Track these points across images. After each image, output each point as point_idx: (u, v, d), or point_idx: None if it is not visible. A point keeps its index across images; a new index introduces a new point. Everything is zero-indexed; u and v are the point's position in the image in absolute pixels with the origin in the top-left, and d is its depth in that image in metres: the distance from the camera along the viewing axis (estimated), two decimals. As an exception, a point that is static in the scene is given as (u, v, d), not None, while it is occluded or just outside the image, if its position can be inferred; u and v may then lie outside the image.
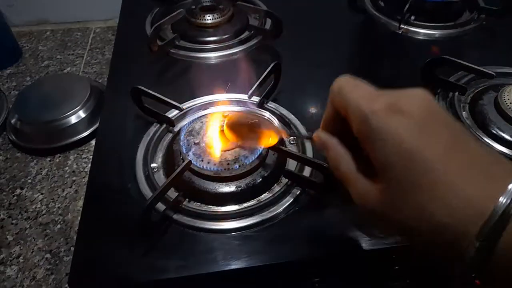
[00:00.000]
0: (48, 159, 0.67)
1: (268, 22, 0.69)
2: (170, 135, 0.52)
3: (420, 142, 0.25)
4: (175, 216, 0.43)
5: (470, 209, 0.24)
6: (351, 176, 0.30)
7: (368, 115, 0.27)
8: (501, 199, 0.23)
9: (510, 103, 0.51)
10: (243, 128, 0.43)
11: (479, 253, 0.23)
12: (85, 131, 0.69)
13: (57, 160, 0.67)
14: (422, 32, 0.70)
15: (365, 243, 0.41)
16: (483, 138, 0.50)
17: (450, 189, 0.24)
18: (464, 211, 0.24)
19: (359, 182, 0.30)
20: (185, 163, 0.43)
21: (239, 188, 0.44)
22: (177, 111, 0.53)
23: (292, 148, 0.49)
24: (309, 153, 0.48)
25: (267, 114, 0.51)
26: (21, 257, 0.55)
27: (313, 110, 0.55)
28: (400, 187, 0.26)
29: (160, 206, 0.43)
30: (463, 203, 0.24)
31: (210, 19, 0.67)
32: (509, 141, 0.49)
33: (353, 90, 0.30)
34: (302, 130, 0.51)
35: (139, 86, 0.51)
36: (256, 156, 0.44)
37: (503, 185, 0.23)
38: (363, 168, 0.30)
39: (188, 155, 0.44)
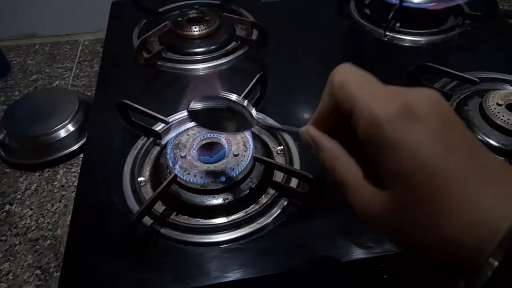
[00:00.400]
0: (37, 174, 0.67)
1: (255, 32, 0.69)
2: (157, 148, 0.52)
3: (437, 153, 0.23)
4: (163, 230, 0.43)
5: (488, 227, 0.22)
6: (352, 182, 0.27)
7: (381, 121, 0.24)
8: None
9: (495, 108, 0.51)
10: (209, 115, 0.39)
11: (495, 273, 0.21)
12: (74, 145, 0.68)
13: (46, 175, 0.67)
14: (408, 39, 0.70)
15: (354, 253, 0.41)
16: (469, 143, 0.50)
17: (468, 204, 0.22)
18: (480, 227, 0.22)
19: (361, 189, 0.27)
20: (171, 176, 0.43)
21: (227, 201, 0.44)
22: (164, 124, 0.53)
23: (279, 159, 0.50)
24: (297, 164, 0.48)
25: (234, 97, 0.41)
26: (11, 274, 0.55)
27: (303, 120, 0.55)
28: (412, 200, 0.24)
29: (148, 220, 0.43)
30: (480, 220, 0.22)
31: (196, 31, 0.68)
32: (495, 146, 0.50)
33: (360, 86, 0.26)
34: (290, 140, 0.51)
35: (125, 101, 0.51)
36: (243, 168, 0.45)
37: None
38: (363, 172, 0.27)
39: (174, 168, 0.44)
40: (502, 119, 0.50)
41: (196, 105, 0.38)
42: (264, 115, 0.55)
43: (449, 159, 0.23)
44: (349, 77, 0.27)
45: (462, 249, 0.22)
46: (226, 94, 0.37)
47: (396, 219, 0.25)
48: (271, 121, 0.47)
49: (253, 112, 0.37)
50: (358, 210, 0.27)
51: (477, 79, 0.54)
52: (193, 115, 0.39)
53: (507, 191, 0.23)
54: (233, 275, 0.40)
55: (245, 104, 0.37)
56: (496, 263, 0.21)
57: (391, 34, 0.70)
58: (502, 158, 0.49)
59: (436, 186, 0.23)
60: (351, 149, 0.29)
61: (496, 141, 0.50)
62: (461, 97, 0.57)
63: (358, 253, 0.41)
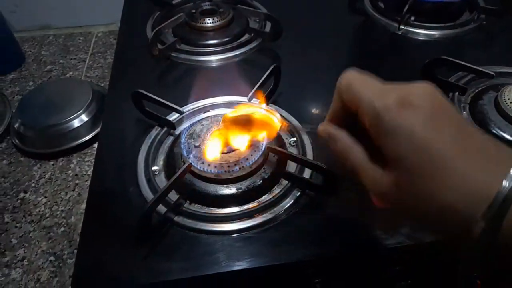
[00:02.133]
0: (51, 162, 0.68)
1: (268, 25, 0.69)
2: (171, 138, 0.52)
3: (430, 134, 0.27)
4: (176, 218, 0.43)
5: (477, 194, 0.25)
6: (362, 165, 0.31)
7: (381, 111, 0.28)
8: (504, 182, 0.24)
9: (510, 102, 0.51)
10: (242, 122, 0.43)
11: (484, 234, 0.24)
12: (88, 135, 0.69)
13: (60, 164, 0.68)
14: (422, 32, 0.70)
15: (366, 244, 0.41)
16: (483, 138, 0.50)
17: (459, 176, 0.26)
18: (472, 195, 0.25)
19: (370, 170, 0.31)
20: (185, 165, 0.43)
21: (240, 190, 0.44)
22: (178, 114, 0.53)
23: (292, 150, 0.50)
24: (309, 155, 0.48)
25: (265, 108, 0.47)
26: (25, 260, 0.56)
27: (315, 111, 0.55)
28: (412, 176, 0.27)
29: (161, 208, 0.43)
30: (471, 188, 0.25)
31: (210, 23, 0.68)
32: (509, 141, 0.49)
33: (363, 86, 0.31)
34: (303, 132, 0.51)
35: (140, 90, 0.51)
36: (256, 158, 0.45)
37: (506, 169, 0.25)
38: (372, 157, 0.31)
39: (188, 158, 0.45)
40: (517, 113, 0.50)
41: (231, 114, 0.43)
42: (277, 107, 0.55)
43: (441, 139, 0.26)
44: (354, 80, 0.32)
45: (457, 215, 0.26)
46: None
47: (400, 195, 0.28)
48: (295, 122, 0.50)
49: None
50: (369, 189, 0.31)
51: (492, 73, 0.53)
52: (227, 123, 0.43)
53: (494, 163, 0.26)
54: (244, 264, 0.40)
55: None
56: (483, 225, 0.24)
57: (405, 28, 0.70)
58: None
59: (431, 163, 0.26)
60: (362, 140, 0.33)
61: (511, 135, 0.50)
62: (476, 91, 0.56)
63: (371, 245, 0.41)
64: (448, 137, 0.27)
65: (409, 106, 0.28)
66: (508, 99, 0.51)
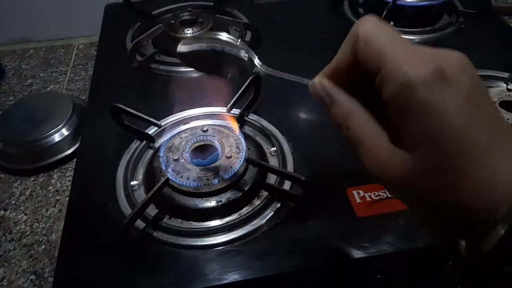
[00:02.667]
0: (32, 179, 0.67)
1: (249, 34, 0.69)
2: (150, 152, 0.52)
3: (463, 120, 0.23)
4: (156, 234, 0.43)
5: (502, 193, 0.23)
6: (368, 139, 0.26)
7: (414, 83, 0.23)
8: None
9: (488, 106, 0.51)
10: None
11: (507, 235, 0.22)
12: (69, 149, 0.68)
13: (41, 180, 0.67)
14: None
15: (347, 253, 0.41)
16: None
17: (486, 171, 0.23)
18: (495, 194, 0.23)
19: (378, 148, 0.26)
20: (163, 179, 0.43)
21: (220, 203, 0.44)
22: (156, 127, 0.53)
23: (272, 160, 0.49)
24: (290, 165, 0.48)
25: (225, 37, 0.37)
26: (5, 280, 0.54)
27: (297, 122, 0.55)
28: (434, 164, 0.24)
29: (140, 223, 0.43)
30: (495, 187, 0.23)
31: (190, 33, 0.68)
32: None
33: (390, 44, 0.25)
34: (283, 142, 0.51)
35: (118, 105, 0.51)
36: (235, 170, 0.44)
37: None
38: (381, 130, 0.26)
39: (167, 172, 0.44)
40: (496, 117, 0.50)
41: (185, 47, 0.35)
42: (258, 117, 0.55)
43: (474, 126, 0.23)
44: (377, 33, 0.26)
45: (475, 213, 0.23)
46: (220, 35, 0.35)
47: (415, 182, 0.25)
48: (273, 71, 0.38)
49: (255, 59, 0.35)
50: (372, 170, 0.26)
51: (470, 77, 0.54)
52: (183, 58, 0.36)
53: None
54: (228, 277, 0.40)
55: (241, 45, 0.34)
56: (502, 231, 0.22)
57: (384, 33, 0.70)
58: None
59: (458, 152, 0.23)
60: (367, 108, 0.28)
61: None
62: (455, 96, 0.57)
63: (352, 254, 0.41)
64: (482, 125, 0.23)
65: (447, 82, 0.23)
66: (486, 102, 0.51)
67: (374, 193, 0.45)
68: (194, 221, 0.44)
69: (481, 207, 0.23)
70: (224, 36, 0.34)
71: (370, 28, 0.26)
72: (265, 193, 0.46)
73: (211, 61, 0.36)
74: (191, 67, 0.37)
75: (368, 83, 0.26)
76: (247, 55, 0.34)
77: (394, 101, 0.24)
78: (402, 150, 0.25)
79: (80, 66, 0.90)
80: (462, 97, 0.23)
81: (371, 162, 0.26)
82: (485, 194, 0.23)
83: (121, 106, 0.51)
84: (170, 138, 0.49)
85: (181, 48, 0.35)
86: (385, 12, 0.69)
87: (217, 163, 0.45)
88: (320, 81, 0.29)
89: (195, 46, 0.35)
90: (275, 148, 0.50)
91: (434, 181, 0.24)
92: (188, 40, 0.36)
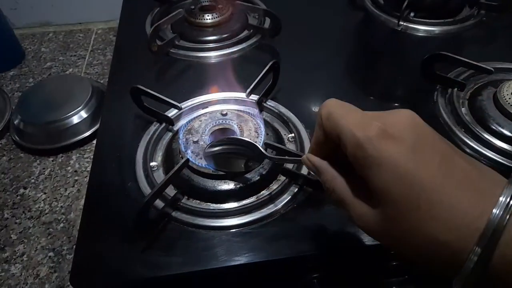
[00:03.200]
0: (51, 159, 0.68)
1: (267, 21, 0.69)
2: (169, 134, 0.52)
3: (414, 165, 0.26)
4: (174, 214, 0.43)
5: (466, 226, 0.24)
6: (347, 199, 0.31)
7: (362, 142, 0.28)
8: (494, 210, 0.24)
9: (509, 98, 0.51)
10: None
11: (476, 268, 0.24)
12: (87, 131, 0.70)
13: (60, 160, 0.68)
14: (422, 28, 0.70)
15: (363, 239, 0.41)
16: (483, 134, 0.50)
17: (446, 207, 0.25)
18: (460, 228, 0.24)
19: (355, 205, 0.30)
20: (183, 160, 0.43)
21: (238, 186, 0.44)
22: (176, 110, 0.53)
23: (290, 146, 0.50)
24: (307, 151, 0.48)
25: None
26: (25, 256, 0.56)
27: (315, 109, 0.55)
28: (397, 209, 0.26)
29: (159, 203, 0.43)
30: (459, 220, 0.25)
31: (209, 19, 0.68)
32: (508, 136, 0.49)
33: (343, 116, 0.30)
34: (301, 128, 0.51)
35: (138, 86, 0.51)
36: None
37: (494, 197, 0.24)
38: (357, 189, 0.31)
39: (186, 153, 0.45)
40: (516, 109, 0.50)
41: (211, 149, 0.43)
42: (276, 103, 0.55)
43: (425, 170, 0.26)
44: (334, 110, 0.31)
45: (446, 249, 0.25)
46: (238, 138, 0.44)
47: (386, 230, 0.28)
48: (274, 156, 0.45)
49: (262, 150, 0.41)
50: (355, 222, 0.31)
51: (492, 69, 0.53)
52: (209, 159, 0.44)
53: (480, 191, 0.25)
54: (242, 259, 0.40)
55: (255, 144, 0.42)
56: (475, 258, 0.24)
57: (405, 24, 0.70)
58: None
59: (415, 195, 0.26)
60: (346, 170, 0.32)
61: (510, 132, 0.49)
62: (475, 87, 0.56)
63: (368, 240, 0.41)
64: (433, 168, 0.26)
65: (391, 137, 0.27)
66: (507, 95, 0.51)
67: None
68: (211, 203, 0.44)
69: (451, 243, 0.25)
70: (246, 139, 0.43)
71: (329, 107, 0.31)
72: (282, 178, 0.46)
73: (228, 159, 0.44)
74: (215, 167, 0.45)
75: (340, 151, 0.31)
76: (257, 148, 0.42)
77: (354, 161, 0.29)
78: (370, 206, 0.29)
79: (99, 51, 0.91)
80: (407, 148, 0.27)
81: (353, 215, 0.31)
82: (452, 230, 0.25)
83: (141, 87, 0.51)
84: (189, 121, 0.49)
85: (208, 150, 0.44)
86: (405, 3, 0.68)
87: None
88: (307, 156, 0.35)
89: (218, 149, 0.43)
90: (293, 134, 0.51)
91: (400, 225, 0.26)
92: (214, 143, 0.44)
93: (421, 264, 0.27)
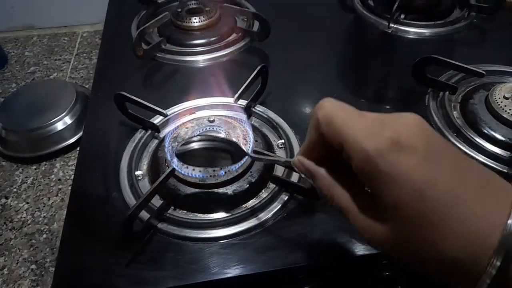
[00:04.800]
0: (34, 167, 0.66)
1: (256, 24, 0.68)
2: (155, 141, 0.51)
3: (427, 179, 0.25)
4: (160, 225, 0.42)
5: (482, 239, 0.23)
6: (350, 208, 0.29)
7: (372, 156, 0.25)
8: (509, 222, 0.23)
9: (501, 102, 0.50)
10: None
11: (493, 283, 0.23)
12: (71, 138, 0.68)
13: (43, 168, 0.66)
14: (412, 30, 0.69)
15: (355, 249, 0.40)
16: (475, 138, 0.49)
17: (461, 222, 0.24)
18: (477, 243, 0.24)
19: (359, 217, 0.28)
20: (169, 170, 0.42)
21: (226, 195, 0.43)
22: (162, 117, 0.52)
23: (280, 153, 0.48)
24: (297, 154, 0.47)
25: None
26: (6, 269, 0.54)
27: (305, 114, 0.54)
28: (410, 226, 0.25)
29: (144, 214, 0.42)
30: (474, 237, 0.24)
31: (196, 22, 0.66)
32: (500, 140, 0.49)
33: (346, 122, 0.27)
34: (291, 134, 0.50)
35: (122, 92, 0.50)
36: (242, 162, 0.43)
37: (507, 207, 0.24)
38: (360, 198, 0.29)
39: (172, 162, 0.43)
40: (509, 112, 0.49)
41: (183, 148, 0.41)
42: (265, 108, 0.53)
43: (438, 184, 0.25)
44: (335, 113, 0.28)
45: (460, 266, 0.24)
46: (213, 133, 0.42)
47: (396, 245, 0.26)
48: (263, 155, 0.43)
49: (243, 147, 0.39)
50: (359, 231, 0.29)
51: (483, 72, 0.53)
52: (181, 158, 0.41)
53: (494, 202, 0.24)
54: (232, 271, 0.39)
55: (234, 140, 0.40)
56: (493, 272, 0.23)
57: (395, 26, 0.69)
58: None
59: (429, 211, 0.24)
60: (342, 176, 0.30)
61: (502, 136, 0.49)
62: (466, 90, 0.55)
63: (360, 250, 0.40)
64: (446, 180, 0.25)
65: (403, 148, 0.25)
66: (499, 98, 0.50)
67: (383, 188, 0.44)
68: (199, 213, 0.43)
69: (465, 259, 0.24)
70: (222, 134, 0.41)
71: (328, 110, 0.28)
72: (272, 186, 0.45)
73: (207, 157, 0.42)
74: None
75: (336, 155, 0.29)
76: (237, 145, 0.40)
77: (361, 173, 0.27)
78: (378, 221, 0.27)
79: (84, 55, 0.89)
80: (419, 159, 0.25)
81: (359, 227, 0.29)
82: (466, 247, 0.24)
83: (125, 93, 0.50)
84: (175, 128, 0.48)
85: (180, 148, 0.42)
86: (396, 5, 0.68)
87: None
88: (299, 159, 0.32)
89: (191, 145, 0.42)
90: (282, 141, 0.49)
91: (412, 241, 0.25)
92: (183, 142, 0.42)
93: (433, 276, 0.26)
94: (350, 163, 0.27)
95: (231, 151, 0.39)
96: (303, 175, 0.33)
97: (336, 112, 0.28)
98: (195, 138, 0.41)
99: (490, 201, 0.24)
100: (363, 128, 0.27)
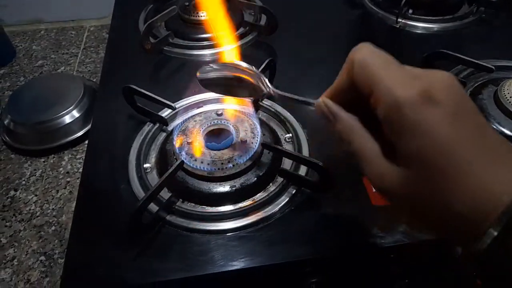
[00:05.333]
0: (42, 160, 0.67)
1: (263, 18, 0.68)
2: (163, 135, 0.51)
3: (453, 135, 0.25)
4: (168, 217, 0.42)
5: (491, 200, 0.24)
6: (369, 155, 0.29)
7: (403, 104, 0.26)
8: None
9: (510, 97, 0.50)
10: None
11: (494, 243, 0.23)
12: (79, 131, 0.68)
13: (51, 161, 0.66)
14: (420, 26, 0.68)
15: (363, 242, 0.40)
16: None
17: (475, 181, 0.24)
18: (486, 202, 0.24)
19: (377, 162, 0.28)
20: (177, 163, 0.42)
21: (234, 188, 0.43)
22: (170, 110, 0.52)
23: (288, 146, 0.49)
24: (305, 151, 0.47)
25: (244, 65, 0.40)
26: (15, 260, 0.54)
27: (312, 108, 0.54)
28: (426, 177, 0.26)
29: (153, 207, 0.42)
30: (485, 195, 0.24)
31: (204, 16, 0.66)
32: (509, 136, 0.48)
33: (381, 68, 0.28)
34: (299, 128, 0.50)
35: (131, 85, 0.50)
36: (250, 155, 0.44)
37: None
38: (378, 146, 0.29)
39: (181, 155, 0.43)
40: (517, 108, 0.49)
41: (205, 75, 0.39)
42: (272, 102, 0.53)
43: (461, 141, 0.25)
44: (370, 58, 0.28)
45: (468, 219, 0.24)
46: (236, 63, 0.38)
47: (409, 193, 0.27)
48: (285, 93, 0.39)
49: (267, 81, 0.37)
50: (373, 181, 0.29)
51: (492, 67, 0.52)
52: (204, 83, 0.39)
53: (508, 170, 0.25)
54: (239, 264, 0.39)
55: (256, 72, 0.37)
56: (495, 233, 0.23)
57: (403, 21, 0.69)
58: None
59: (448, 165, 0.25)
60: (365, 125, 0.30)
61: (510, 131, 0.49)
62: (475, 85, 0.55)
63: (368, 243, 0.40)
64: (469, 139, 0.25)
65: (432, 101, 0.25)
66: (508, 93, 0.50)
67: (391, 182, 0.44)
68: (207, 206, 0.43)
69: (474, 214, 0.24)
70: (242, 64, 0.38)
71: (365, 54, 0.29)
72: (280, 179, 0.45)
73: (227, 85, 0.39)
74: (209, 90, 0.41)
75: (366, 102, 0.28)
76: (260, 79, 0.38)
77: (386, 120, 0.27)
78: (397, 166, 0.27)
79: (91, 49, 0.90)
80: (448, 115, 0.25)
81: (371, 173, 0.29)
82: (476, 202, 0.24)
83: (134, 86, 0.50)
84: (183, 121, 0.48)
85: (201, 75, 0.39)
86: (404, 0, 0.67)
87: (231, 148, 0.44)
88: (324, 100, 0.32)
89: (214, 74, 0.39)
90: (290, 135, 0.49)
91: (426, 191, 0.26)
92: (208, 68, 0.39)
93: (436, 233, 0.27)
94: (376, 110, 0.27)
95: (250, 87, 0.38)
96: (325, 117, 0.32)
97: (373, 57, 0.28)
98: (215, 66, 0.39)
99: (507, 168, 0.25)
100: (397, 76, 0.27)
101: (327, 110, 0.31)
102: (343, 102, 0.31)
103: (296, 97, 0.38)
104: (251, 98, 0.42)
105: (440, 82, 0.26)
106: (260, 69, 0.52)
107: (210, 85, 0.40)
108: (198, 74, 0.39)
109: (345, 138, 0.30)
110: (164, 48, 0.64)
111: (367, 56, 0.28)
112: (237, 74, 0.38)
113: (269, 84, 0.37)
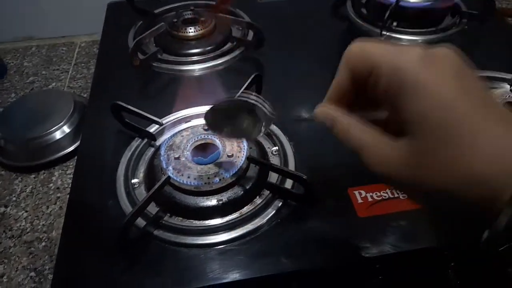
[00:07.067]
0: (33, 176, 0.67)
1: (251, 33, 0.69)
2: (151, 150, 0.51)
3: (456, 94, 0.24)
4: (156, 232, 0.42)
5: (508, 159, 0.22)
6: (368, 141, 0.28)
7: (402, 66, 0.25)
8: None
9: (491, 107, 0.51)
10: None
11: None
12: (70, 147, 0.68)
13: (42, 177, 0.67)
14: (404, 38, 0.70)
15: (349, 254, 0.41)
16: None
17: (487, 139, 0.23)
18: (502, 161, 0.22)
19: (378, 146, 0.27)
20: (164, 178, 0.43)
21: (221, 202, 0.44)
22: (158, 125, 0.53)
23: (274, 159, 0.49)
24: (291, 164, 0.48)
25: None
26: (5, 277, 0.54)
27: (304, 115, 0.55)
28: (432, 141, 0.24)
29: (141, 222, 0.42)
30: (501, 154, 0.22)
31: (192, 32, 0.68)
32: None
33: (378, 48, 0.28)
34: (285, 141, 0.51)
35: (119, 102, 0.50)
36: (236, 169, 0.44)
37: None
38: (378, 132, 0.28)
39: (168, 170, 0.44)
40: (499, 118, 0.50)
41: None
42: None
43: (466, 100, 0.24)
44: (367, 44, 0.29)
45: (485, 183, 0.23)
46: (244, 96, 0.40)
47: (416, 165, 0.25)
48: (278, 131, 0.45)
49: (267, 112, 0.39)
50: (376, 168, 0.28)
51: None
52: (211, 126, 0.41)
53: None
54: (228, 277, 0.39)
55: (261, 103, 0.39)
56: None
57: (387, 34, 0.70)
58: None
59: (455, 124, 0.24)
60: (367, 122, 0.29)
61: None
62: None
63: (354, 254, 0.40)
64: (474, 99, 0.24)
65: (432, 62, 0.25)
66: (489, 103, 0.51)
67: (376, 194, 0.45)
68: (194, 220, 0.44)
69: (490, 176, 0.23)
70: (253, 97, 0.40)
71: (361, 43, 0.29)
72: (266, 192, 0.45)
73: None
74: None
75: (365, 90, 0.29)
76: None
77: (390, 90, 0.26)
78: (400, 139, 0.26)
79: (82, 64, 0.90)
80: (449, 75, 0.25)
81: (374, 162, 0.28)
82: (492, 163, 0.23)
83: (121, 103, 0.51)
84: (171, 137, 0.48)
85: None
86: (388, 13, 0.69)
87: (218, 162, 0.45)
88: (321, 108, 0.32)
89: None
90: (276, 148, 0.50)
91: (434, 157, 0.24)
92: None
93: (447, 206, 0.26)
94: (377, 89, 0.27)
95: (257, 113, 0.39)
96: (323, 123, 0.32)
97: (368, 43, 0.29)
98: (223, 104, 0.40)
99: None
100: (395, 49, 0.27)
101: (324, 117, 0.31)
102: (343, 101, 0.31)
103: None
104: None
105: (440, 50, 0.26)
106: (246, 84, 0.53)
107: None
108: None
109: (344, 137, 0.30)
110: (153, 63, 0.65)
111: (363, 43, 0.29)
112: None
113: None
